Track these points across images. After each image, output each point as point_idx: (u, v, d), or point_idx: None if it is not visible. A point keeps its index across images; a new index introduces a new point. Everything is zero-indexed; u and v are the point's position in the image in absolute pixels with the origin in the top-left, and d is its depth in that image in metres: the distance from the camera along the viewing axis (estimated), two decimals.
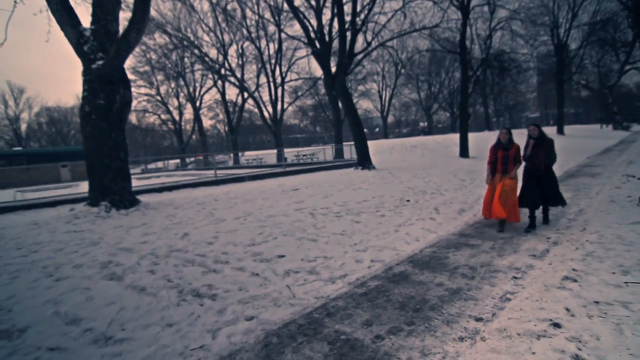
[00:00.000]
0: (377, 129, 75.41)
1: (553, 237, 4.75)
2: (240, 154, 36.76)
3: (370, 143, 17.07)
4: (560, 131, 31.58)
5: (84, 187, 10.74)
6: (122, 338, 2.76)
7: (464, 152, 18.62)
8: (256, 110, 35.15)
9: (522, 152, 5.31)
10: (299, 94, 38.88)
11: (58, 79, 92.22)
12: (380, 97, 52.06)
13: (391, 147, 25.79)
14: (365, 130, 17.96)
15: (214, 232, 5.48)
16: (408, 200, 7.47)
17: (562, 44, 30.39)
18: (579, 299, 2.83)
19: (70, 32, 7.78)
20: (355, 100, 27.61)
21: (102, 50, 7.82)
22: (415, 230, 5.32)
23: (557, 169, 6.62)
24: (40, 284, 3.73)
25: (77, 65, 7.92)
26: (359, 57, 20.26)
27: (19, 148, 45.62)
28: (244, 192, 9.93)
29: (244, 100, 35.85)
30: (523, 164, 5.33)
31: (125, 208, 7.59)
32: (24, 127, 57.96)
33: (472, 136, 21.08)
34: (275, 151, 29.62)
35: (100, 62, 7.69)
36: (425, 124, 56.51)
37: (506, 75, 22.38)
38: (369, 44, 19.15)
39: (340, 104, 20.49)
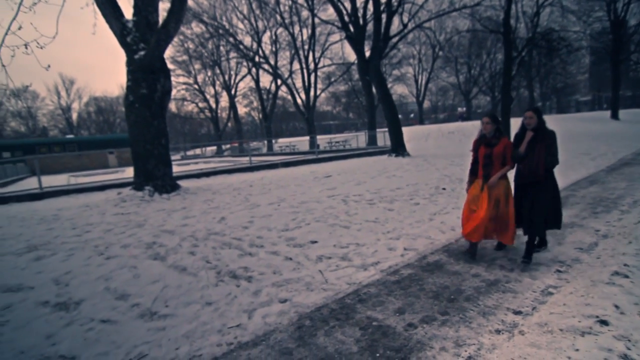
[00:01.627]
0: (412, 115, 73.37)
1: (603, 230, 4.44)
2: (273, 140, 37.28)
3: (404, 129, 16.68)
4: (615, 116, 29.12)
5: (129, 172, 11.42)
6: (166, 314, 2.95)
7: None
8: (289, 97, 35.33)
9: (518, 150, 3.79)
10: (332, 79, 38.55)
11: (104, 70, 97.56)
12: (416, 81, 50.39)
13: (427, 134, 25.05)
14: (399, 116, 17.53)
15: (249, 217, 5.65)
16: (444, 189, 7.26)
17: (620, 19, 27.69)
18: (630, 296, 2.65)
19: (114, 24, 8.15)
20: (389, 85, 26.84)
21: (143, 41, 8.15)
22: (451, 219, 5.17)
23: (611, 156, 6.00)
24: (92, 262, 4.05)
25: (122, 56, 8.34)
26: (394, 40, 19.65)
27: (71, 136, 49.07)
28: (278, 178, 10.10)
29: (278, 88, 36.11)
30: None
31: (167, 192, 8.00)
32: (75, 116, 62.22)
33: (515, 122, 19.98)
34: (307, 138, 29.74)
35: (142, 53, 8.03)
36: (464, 109, 54.08)
37: (555, 55, 20.83)
38: (405, 25, 18.50)
39: (374, 89, 20.09)
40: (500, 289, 3.05)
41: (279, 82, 34.72)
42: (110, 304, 3.12)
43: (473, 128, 24.97)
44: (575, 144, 15.31)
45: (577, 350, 2.12)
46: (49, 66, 7.92)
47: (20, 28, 7.45)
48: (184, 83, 41.68)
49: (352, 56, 34.64)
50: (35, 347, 2.57)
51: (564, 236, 4.31)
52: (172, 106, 44.69)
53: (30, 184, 15.07)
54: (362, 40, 18.48)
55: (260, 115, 43.96)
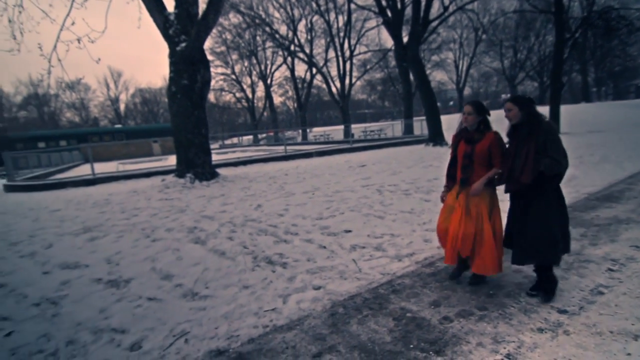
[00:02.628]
0: (451, 103, 70.48)
1: None
2: (308, 130, 37.47)
3: (443, 118, 16.10)
4: None
5: (172, 160, 11.99)
6: (206, 295, 3.10)
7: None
8: (324, 85, 35.22)
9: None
10: (368, 67, 37.84)
11: (148, 62, 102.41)
12: (457, 67, 48.23)
13: None
14: (438, 104, 16.93)
15: (285, 205, 5.76)
16: None
17: None
18: None
19: (158, 17, 8.48)
20: (428, 72, 25.81)
21: (184, 33, 8.42)
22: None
23: None
24: (140, 244, 4.34)
25: (164, 49, 8.70)
26: (434, 23, 18.85)
27: (119, 125, 52.22)
28: (312, 167, 10.17)
29: (313, 76, 36.06)
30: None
31: (206, 180, 8.34)
32: (122, 106, 66.05)
33: (565, 109, 18.64)
34: (342, 127, 29.57)
35: (183, 45, 8.31)
36: (508, 95, 51.08)
37: (613, 36, 19.03)
38: (446, 8, 17.68)
39: (411, 76, 19.49)
40: None
41: (314, 70, 34.64)
42: (156, 283, 3.33)
43: None
44: (634, 133, 14.01)
45: (629, 354, 1.98)
46: (99, 59, 8.43)
47: (73, 24, 7.97)
48: (222, 74, 42.78)
49: (389, 42, 33.77)
50: (90, 320, 2.81)
51: (618, 233, 4.00)
52: (211, 96, 46.15)
53: (84, 170, 16.30)
54: (400, 25, 17.89)
55: (295, 105, 44.26)
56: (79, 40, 8.15)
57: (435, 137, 14.46)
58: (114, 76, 63.94)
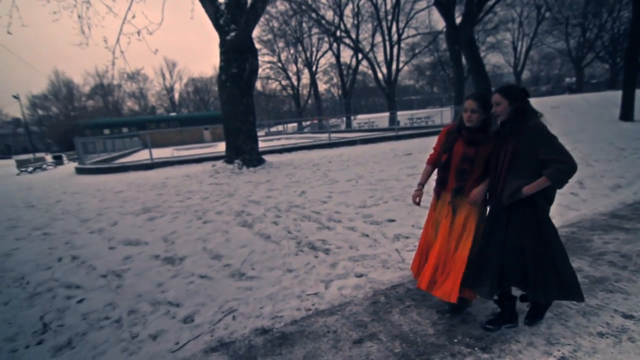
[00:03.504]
0: None
1: None
2: (352, 117, 37.07)
3: None
4: None
5: (221, 147, 12.53)
6: (252, 276, 3.25)
7: (627, 113, 14.74)
8: (370, 72, 34.44)
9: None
10: (416, 51, 36.32)
11: (200, 52, 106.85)
12: (515, 49, 44.65)
13: None
14: (492, 89, 15.87)
15: (328, 192, 5.80)
16: None
17: None
18: None
19: (209, 7, 8.77)
20: (482, 54, 23.99)
21: (234, 22, 8.64)
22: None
23: None
24: (193, 225, 4.62)
25: (215, 38, 8.99)
26: (491, 2, 17.52)
27: (174, 114, 55.30)
28: (356, 155, 10.10)
29: (358, 62, 35.43)
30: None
31: (253, 166, 8.62)
32: (176, 95, 69.79)
33: None
34: (387, 114, 28.85)
35: (233, 34, 8.54)
36: (573, 79, 46.42)
37: None
38: None
39: (463, 60, 18.43)
40: (607, 288, 2.67)
41: (360, 56, 33.98)
42: (206, 262, 3.55)
43: (584, 101, 21.46)
44: None
45: None
46: (156, 50, 8.94)
47: (134, 17, 8.49)
48: (269, 62, 43.44)
49: (439, 24, 32.07)
50: (149, 293, 3.07)
51: None
52: (258, 84, 47.19)
53: (143, 155, 17.59)
54: (453, 5, 16.88)
55: (340, 92, 43.90)
56: (138, 32, 8.70)
57: None
58: (169, 66, 67.84)
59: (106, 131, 36.80)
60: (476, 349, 2.09)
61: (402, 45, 33.30)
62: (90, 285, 3.26)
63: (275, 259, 3.53)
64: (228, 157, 9.01)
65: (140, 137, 29.82)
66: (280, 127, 44.03)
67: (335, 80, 49.45)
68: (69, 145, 26.62)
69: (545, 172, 1.99)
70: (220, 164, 9.03)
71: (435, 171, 2.63)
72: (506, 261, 2.11)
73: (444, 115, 23.89)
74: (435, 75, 46.23)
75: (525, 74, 53.25)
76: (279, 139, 24.83)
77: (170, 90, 68.21)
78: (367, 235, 3.96)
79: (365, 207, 4.95)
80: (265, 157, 9.97)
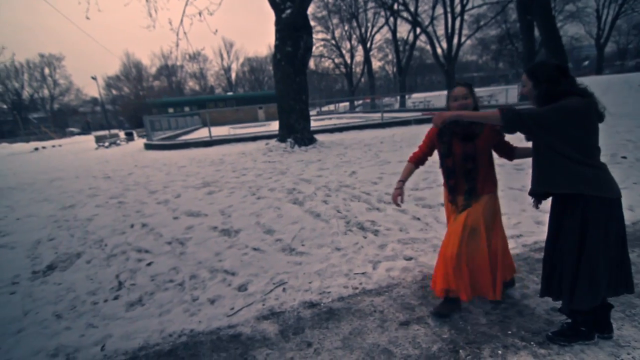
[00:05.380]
0: (585, 63, 58.34)
1: None
2: (407, 96, 35.65)
3: None
4: None
5: (274, 125, 12.83)
6: (302, 251, 3.35)
7: None
8: (428, 47, 32.63)
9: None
10: (481, 23, 33.52)
11: (256, 31, 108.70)
12: (599, 17, 39.13)
13: (605, 86, 19.71)
14: (569, 64, 14.19)
15: (379, 173, 5.72)
16: (624, 157, 5.76)
17: None
18: None
19: None
20: (558, 25, 21.27)
21: (290, 0, 8.60)
22: (630, 196, 4.11)
23: None
24: (247, 200, 4.85)
25: (270, 18, 9.06)
26: None
27: (231, 93, 57.42)
28: (410, 135, 9.77)
29: (416, 37, 33.65)
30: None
31: (305, 145, 8.74)
32: (233, 75, 72.15)
33: None
34: (445, 93, 27.28)
35: (288, 11, 8.52)
36: None
37: None
38: None
39: (536, 31, 16.65)
40: None
41: (418, 30, 32.21)
42: (259, 236, 3.72)
43: None
44: None
45: None
46: (216, 31, 9.24)
47: None
48: (322, 39, 42.95)
49: None
50: (208, 261, 3.31)
51: None
52: (311, 63, 46.96)
53: (203, 133, 18.63)
54: None
55: (395, 69, 42.29)
56: (200, 13, 9.04)
57: None
58: (227, 46, 70.12)
59: (170, 110, 39.41)
60: (532, 343, 1.98)
61: (466, 17, 30.90)
62: (158, 251, 3.60)
63: (324, 237, 3.59)
64: (281, 136, 9.22)
65: (200, 115, 31.50)
66: (331, 106, 43.84)
67: (390, 57, 47.70)
68: (138, 123, 29.06)
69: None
70: (273, 142, 9.28)
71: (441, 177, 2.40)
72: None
73: (509, 94, 22.02)
74: (501, 50, 42.46)
75: (610, 47, 46.73)
76: (330, 118, 24.76)
77: (227, 70, 70.68)
78: (419, 219, 3.86)
79: (418, 189, 4.81)
80: (316, 136, 10.04)
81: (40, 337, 2.47)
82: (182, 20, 9.14)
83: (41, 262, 3.61)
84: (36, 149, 24.75)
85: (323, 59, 47.28)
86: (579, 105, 1.63)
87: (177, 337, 2.35)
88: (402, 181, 2.38)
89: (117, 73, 62.02)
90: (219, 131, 16.53)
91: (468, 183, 2.16)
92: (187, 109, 40.11)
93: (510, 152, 2.22)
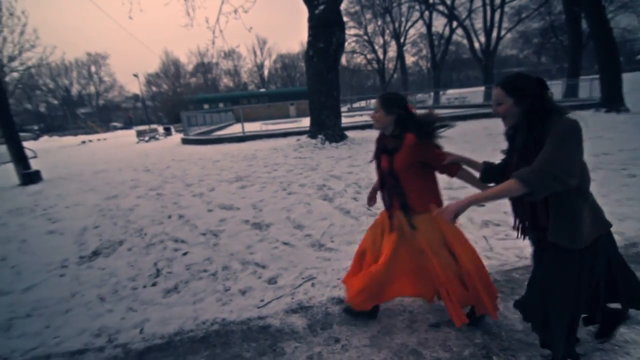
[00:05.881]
0: (639, 56, 53.82)
1: None
2: (441, 92, 34.62)
3: (626, 76, 12.55)
4: None
5: (305, 122, 12.90)
6: (331, 248, 3.36)
7: None
8: (465, 41, 31.47)
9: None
10: (523, 15, 31.81)
11: (289, 28, 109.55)
12: None
13: None
14: (620, 59, 13.17)
15: None
16: None
17: None
18: None
19: None
20: (609, 16, 19.68)
21: None
22: None
23: None
24: (278, 195, 4.92)
25: (303, 14, 9.10)
26: None
27: (263, 90, 58.34)
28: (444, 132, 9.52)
29: (452, 31, 32.49)
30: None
31: (335, 142, 8.73)
32: (266, 72, 73.26)
33: None
34: (482, 89, 26.18)
35: (322, 7, 8.51)
36: None
37: None
38: None
39: (584, 23, 15.60)
40: None
41: (454, 24, 31.09)
42: (289, 231, 3.77)
43: None
44: None
45: None
46: (250, 28, 9.40)
47: None
48: (355, 35, 42.49)
49: None
50: (239, 253, 3.40)
51: None
52: (343, 59, 46.59)
53: (236, 128, 19.08)
54: None
55: (429, 64, 41.16)
56: (235, 11, 9.24)
57: (610, 100, 11.49)
58: (260, 44, 71.15)
59: (205, 106, 40.66)
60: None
61: (506, 9, 29.45)
62: (193, 241, 3.74)
63: (353, 234, 3.58)
64: (312, 132, 9.26)
65: (234, 111, 32.28)
66: (363, 103, 43.41)
67: (424, 52, 46.48)
68: (176, 118, 30.29)
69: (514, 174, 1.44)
70: (304, 138, 9.35)
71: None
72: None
73: (554, 90, 20.79)
74: (544, 43, 40.12)
75: None
76: (362, 114, 24.53)
77: (260, 67, 71.86)
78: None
79: (452, 189, 4.67)
80: (347, 132, 9.99)
81: (85, 318, 2.66)
82: (218, 19, 9.42)
83: (87, 248, 3.86)
84: (83, 142, 26.47)
85: (355, 55, 46.85)
86: (577, 126, 1.40)
87: (209, 325, 2.44)
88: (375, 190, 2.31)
89: (157, 70, 64.90)
90: (251, 127, 16.87)
91: (398, 199, 2.00)
92: (221, 105, 41.22)
93: (449, 171, 1.95)
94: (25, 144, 8.43)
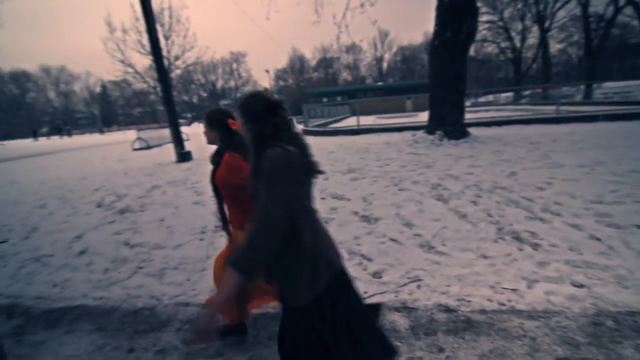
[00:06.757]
0: None
1: None
2: (595, 85, 28.60)
3: None
4: None
5: (422, 117, 12.35)
6: (442, 251, 3.16)
7: None
8: (635, 22, 25.18)
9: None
10: None
11: (412, 19, 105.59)
12: None
13: None
14: None
15: (547, 177, 4.84)
16: None
17: None
18: None
19: None
20: None
21: None
22: None
23: None
24: (389, 190, 4.86)
25: (429, 3, 8.60)
26: None
27: (380, 83, 57.87)
28: (596, 134, 7.88)
29: (617, 11, 26.39)
30: None
31: (455, 139, 8.10)
32: (385, 65, 72.41)
33: None
34: None
35: None
36: None
37: None
38: None
39: None
40: None
41: (622, 1, 25.14)
42: (398, 228, 3.69)
43: None
44: None
45: None
46: (375, 21, 9.38)
47: None
48: (487, 22, 38.30)
49: None
50: (346, 243, 3.49)
51: None
52: (471, 49, 42.74)
53: (350, 122, 19.49)
54: None
55: (581, 52, 34.35)
56: (362, 5, 9.33)
57: None
58: (381, 36, 70.37)
59: (324, 99, 42.62)
60: None
61: None
62: None
63: (469, 240, 3.30)
64: (429, 128, 8.79)
65: (350, 105, 33.00)
66: (490, 97, 39.09)
67: (575, 37, 38.89)
68: (297, 110, 32.68)
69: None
70: (420, 134, 8.95)
71: None
72: None
73: None
74: None
75: None
76: (488, 110, 22.12)
77: (379, 60, 71.44)
78: (599, 239, 3.11)
79: (602, 203, 3.86)
80: (470, 129, 9.14)
81: None
82: (344, 14, 9.66)
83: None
84: None
85: (486, 44, 42.32)
86: (281, 161, 1.20)
87: None
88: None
89: (284, 66, 70.82)
90: (365, 120, 16.98)
91: (220, 212, 2.08)
92: (339, 98, 42.59)
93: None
94: (181, 129, 10.27)
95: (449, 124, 8.32)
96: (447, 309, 2.42)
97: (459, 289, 2.62)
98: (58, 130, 48.69)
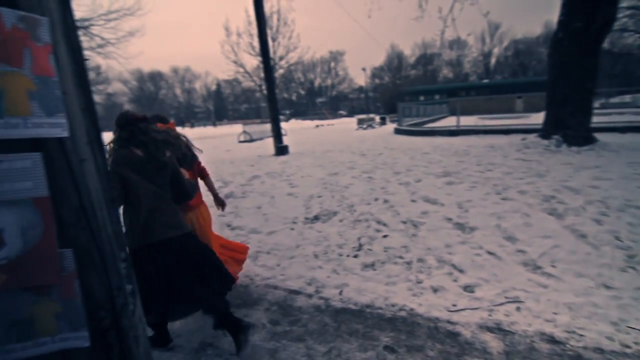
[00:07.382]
0: None
1: None
2: None
3: None
4: None
5: (534, 119, 10.93)
6: (551, 273, 2.78)
7: None
8: None
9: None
10: None
11: (529, 9, 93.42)
12: None
13: None
14: None
15: None
16: None
17: None
18: None
19: None
20: None
21: None
22: None
23: None
24: (489, 198, 4.44)
25: None
26: None
27: (486, 81, 52.91)
28: None
29: None
30: None
31: (577, 145, 6.96)
32: (493, 61, 65.93)
33: None
34: None
35: None
36: None
37: None
38: None
39: None
40: None
41: None
42: (497, 240, 3.36)
43: None
44: None
45: None
46: (487, 13, 8.62)
47: None
48: (628, 7, 31.68)
49: None
50: (437, 249, 3.31)
51: None
52: (605, 41, 36.01)
53: (449, 121, 18.31)
54: None
55: None
56: None
57: None
58: (491, 29, 64.10)
59: (421, 97, 40.86)
60: None
61: None
62: (393, 227, 3.92)
63: (587, 265, 2.82)
64: (544, 131, 7.71)
65: (448, 104, 31.01)
66: (626, 97, 32.47)
67: None
68: (392, 109, 32.00)
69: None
70: (532, 137, 7.93)
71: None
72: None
73: None
74: None
75: None
76: (623, 113, 18.46)
77: (487, 55, 65.42)
78: None
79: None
80: (597, 135, 7.74)
81: (302, 267, 3.28)
82: (452, 7, 9.06)
83: (311, 212, 4.70)
84: (317, 126, 32.03)
85: (625, 35, 35.11)
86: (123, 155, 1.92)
87: (397, 310, 2.53)
88: None
89: (381, 64, 69.94)
90: (465, 121, 15.74)
91: None
92: (437, 97, 40.36)
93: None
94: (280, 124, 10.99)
95: (570, 127, 7.18)
96: (552, 340, 2.12)
97: (569, 319, 2.27)
98: (181, 122, 57.01)
